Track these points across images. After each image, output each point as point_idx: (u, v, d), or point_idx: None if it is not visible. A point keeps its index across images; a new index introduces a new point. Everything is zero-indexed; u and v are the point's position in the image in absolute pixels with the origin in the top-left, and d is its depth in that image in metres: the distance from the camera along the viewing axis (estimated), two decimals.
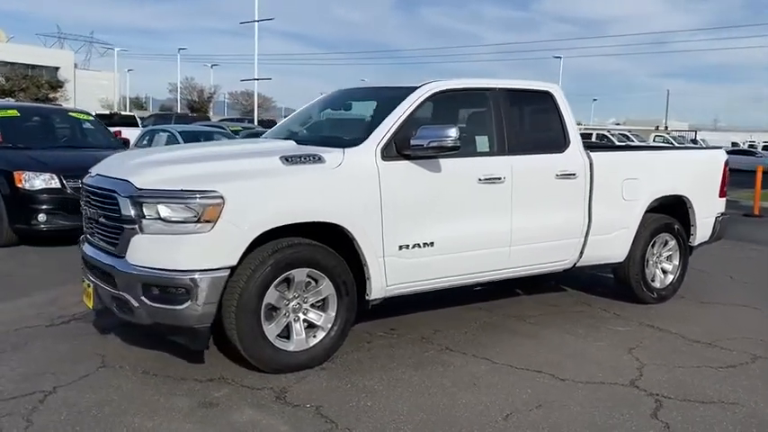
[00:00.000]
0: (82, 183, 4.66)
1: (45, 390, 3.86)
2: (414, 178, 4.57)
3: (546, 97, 5.51)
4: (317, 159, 4.28)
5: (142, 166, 4.15)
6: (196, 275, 3.80)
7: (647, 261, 6.10)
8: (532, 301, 6.17)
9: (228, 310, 3.94)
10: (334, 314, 4.30)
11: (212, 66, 65.39)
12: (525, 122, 5.39)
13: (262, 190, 4.02)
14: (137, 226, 3.89)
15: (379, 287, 4.47)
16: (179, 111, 50.76)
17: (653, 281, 6.19)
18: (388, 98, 5.03)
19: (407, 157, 4.54)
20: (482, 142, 5.06)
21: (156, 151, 4.86)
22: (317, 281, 4.24)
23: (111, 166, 4.38)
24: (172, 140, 12.21)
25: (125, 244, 3.95)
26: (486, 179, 4.89)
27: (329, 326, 4.30)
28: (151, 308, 3.88)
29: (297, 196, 4.14)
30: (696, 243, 6.55)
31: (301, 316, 4.25)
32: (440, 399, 3.84)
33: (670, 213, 6.28)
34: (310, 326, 4.28)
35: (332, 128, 5.47)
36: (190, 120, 25.65)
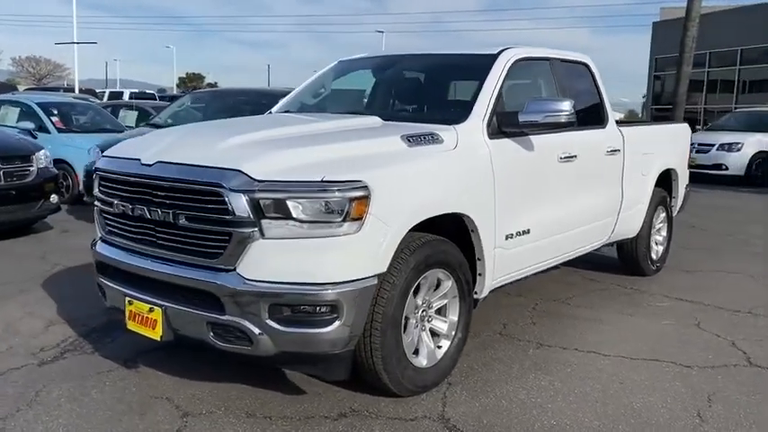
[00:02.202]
0: (109, 172, 3.49)
1: None
2: (515, 158, 4.06)
3: (585, 69, 5.25)
4: (436, 139, 3.59)
5: (251, 150, 3.16)
6: (345, 288, 2.98)
7: (650, 234, 6.17)
8: (544, 280, 5.95)
9: (371, 326, 3.17)
10: (456, 319, 3.69)
11: None
12: (577, 95, 5.07)
13: (404, 178, 3.27)
14: (256, 229, 2.95)
15: (489, 283, 3.93)
16: None
17: (652, 253, 6.29)
18: (463, 67, 4.45)
19: (506, 135, 4.02)
20: None
21: (230, 127, 3.75)
22: (439, 283, 3.60)
23: (184, 149, 3.27)
24: (29, 115, 10.13)
25: (236, 253, 2.98)
26: (565, 157, 4.52)
27: (452, 333, 3.68)
28: (282, 334, 2.98)
29: (433, 184, 3.45)
30: (675, 214, 6.79)
31: (427, 325, 3.58)
32: (613, 405, 3.44)
33: (660, 186, 6.40)
34: (433, 335, 3.64)
35: (403, 100, 4.70)
36: None
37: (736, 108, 22.50)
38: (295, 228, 2.96)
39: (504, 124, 3.97)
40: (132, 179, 3.31)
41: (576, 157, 4.60)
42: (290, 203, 2.94)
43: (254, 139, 3.32)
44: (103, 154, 3.72)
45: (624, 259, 6.22)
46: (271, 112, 4.92)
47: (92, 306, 4.81)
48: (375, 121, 3.88)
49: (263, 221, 2.95)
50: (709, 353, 4.26)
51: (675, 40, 18.67)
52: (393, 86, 4.81)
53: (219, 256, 3.03)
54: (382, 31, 54.45)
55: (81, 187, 9.41)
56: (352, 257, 3.01)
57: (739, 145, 14.66)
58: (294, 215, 2.95)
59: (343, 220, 2.97)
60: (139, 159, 3.32)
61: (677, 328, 4.77)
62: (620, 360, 4.09)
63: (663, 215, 6.44)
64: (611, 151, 5.16)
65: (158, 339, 3.26)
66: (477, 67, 4.25)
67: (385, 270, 3.12)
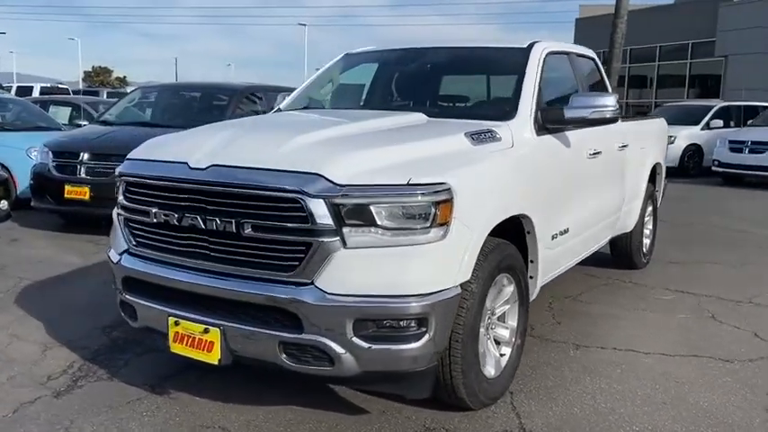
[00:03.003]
0: (142, 177, 3.11)
1: None
2: (557, 155, 3.95)
3: (592, 63, 5.21)
4: (495, 137, 3.42)
5: (324, 151, 2.87)
6: (434, 300, 2.75)
7: (643, 228, 6.24)
8: None
9: (450, 338, 2.95)
10: (515, 325, 3.53)
11: None
12: (592, 89, 5.01)
13: (481, 178, 3.08)
14: (338, 238, 2.68)
15: (538, 286, 3.80)
16: None
17: (642, 246, 6.36)
18: (493, 61, 4.30)
19: (548, 131, 3.90)
20: None
21: (283, 126, 3.40)
22: (501, 289, 3.42)
23: (243, 151, 2.93)
24: None
25: (315, 265, 2.70)
26: (592, 153, 4.45)
27: (513, 340, 3.51)
28: (367, 352, 2.72)
29: (502, 184, 3.28)
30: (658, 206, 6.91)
31: (491, 333, 3.40)
32: (683, 407, 3.37)
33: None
34: (496, 343, 3.46)
35: (435, 95, 4.45)
36: None
37: (655, 102, 23.58)
38: (379, 235, 2.70)
39: (549, 120, 3.84)
40: (179, 185, 2.94)
41: (600, 153, 4.54)
42: (374, 209, 2.69)
43: (318, 139, 3.03)
44: (128, 157, 3.31)
45: (618, 254, 6.23)
46: (280, 109, 4.58)
47: (83, 325, 4.38)
48: (421, 117, 3.66)
49: (345, 229, 2.68)
50: (739, 346, 4.29)
51: (598, 36, 19.30)
52: (419, 81, 4.57)
53: (294, 269, 2.73)
54: (305, 24, 53.67)
55: (19, 191, 8.64)
56: (439, 266, 2.79)
57: (672, 138, 15.24)
58: (378, 222, 2.70)
59: (430, 226, 2.75)
60: (186, 163, 2.95)
61: (695, 321, 4.81)
62: (662, 358, 4.06)
63: (650, 208, 6.52)
64: (622, 147, 5.15)
65: (216, 363, 2.92)
66: (510, 60, 4.12)
67: (468, 278, 2.91)
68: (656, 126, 6.68)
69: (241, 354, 2.91)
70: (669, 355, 4.10)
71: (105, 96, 24.11)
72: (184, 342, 3.00)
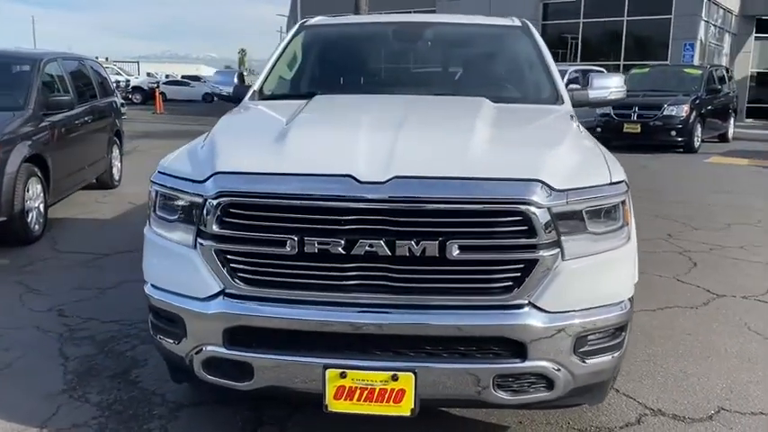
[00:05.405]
0: (275, 197, 2.37)
1: None
2: None
3: None
4: (579, 124, 3.34)
5: (530, 152, 2.48)
6: (630, 304, 2.64)
7: None
8: None
9: None
10: None
11: None
12: None
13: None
14: (558, 250, 2.40)
15: None
16: None
17: None
18: (497, 39, 4.14)
19: None
20: None
21: (424, 120, 2.71)
22: None
23: (422, 156, 2.39)
24: None
25: (535, 283, 2.37)
26: None
27: None
28: (584, 368, 2.50)
29: None
30: None
31: None
32: (732, 358, 3.77)
33: None
34: None
35: (460, 77, 4.00)
36: None
37: None
38: (589, 242, 2.49)
39: (576, 103, 3.85)
40: (347, 205, 2.31)
41: None
42: (586, 214, 2.46)
43: (486, 138, 2.63)
44: (220, 170, 2.46)
45: None
46: (261, 92, 3.81)
47: (34, 394, 3.36)
48: (488, 102, 3.38)
49: (563, 239, 2.41)
50: (683, 292, 4.91)
51: (326, 7, 19.18)
52: (429, 61, 4.16)
53: (512, 290, 2.37)
54: None
55: None
56: (631, 269, 2.68)
57: None
58: (589, 228, 2.48)
59: (622, 227, 2.61)
60: (351, 175, 2.33)
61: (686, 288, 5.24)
62: (650, 314, 4.42)
63: None
64: None
65: (408, 415, 2.42)
66: (513, 38, 4.04)
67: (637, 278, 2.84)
68: None
69: (433, 397, 2.45)
70: (651, 310, 4.51)
71: None
72: (356, 397, 2.41)
